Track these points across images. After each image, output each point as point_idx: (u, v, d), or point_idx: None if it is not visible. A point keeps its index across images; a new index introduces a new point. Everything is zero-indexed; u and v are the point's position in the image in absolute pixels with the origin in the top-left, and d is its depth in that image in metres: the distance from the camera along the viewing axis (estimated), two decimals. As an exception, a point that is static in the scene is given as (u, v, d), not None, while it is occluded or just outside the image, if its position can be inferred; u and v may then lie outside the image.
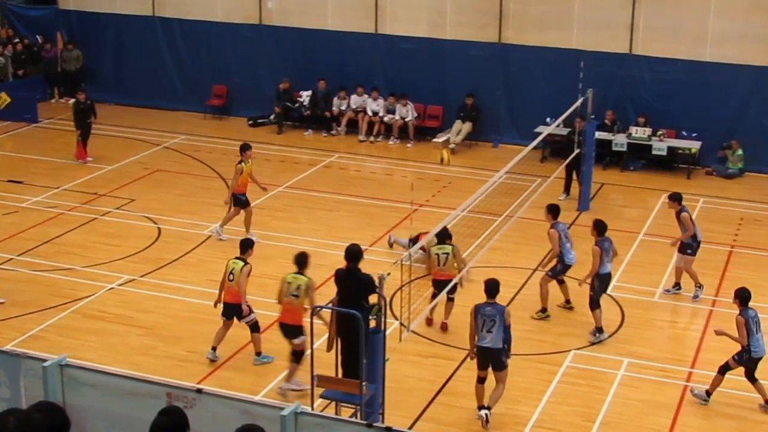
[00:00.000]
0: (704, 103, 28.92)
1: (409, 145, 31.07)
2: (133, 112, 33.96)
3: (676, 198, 20.53)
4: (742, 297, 16.45)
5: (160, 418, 8.08)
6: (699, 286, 20.62)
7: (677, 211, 20.44)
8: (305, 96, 32.36)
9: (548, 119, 28.63)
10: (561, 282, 19.71)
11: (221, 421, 9.20)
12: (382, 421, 14.43)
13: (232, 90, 33.85)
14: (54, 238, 23.05)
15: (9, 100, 32.90)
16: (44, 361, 9.81)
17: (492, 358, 15.81)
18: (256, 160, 28.59)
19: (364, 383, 14.13)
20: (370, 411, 14.39)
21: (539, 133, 25.35)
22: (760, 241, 23.91)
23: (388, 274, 14.29)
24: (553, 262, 19.51)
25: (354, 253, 15.20)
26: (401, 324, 16.71)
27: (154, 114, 33.81)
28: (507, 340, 15.78)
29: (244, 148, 23.09)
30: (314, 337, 14.57)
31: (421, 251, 19.11)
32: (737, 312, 16.44)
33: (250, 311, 17.49)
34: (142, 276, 21.16)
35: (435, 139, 30.77)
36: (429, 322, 19.10)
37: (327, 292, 18.02)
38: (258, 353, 17.64)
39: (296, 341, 16.51)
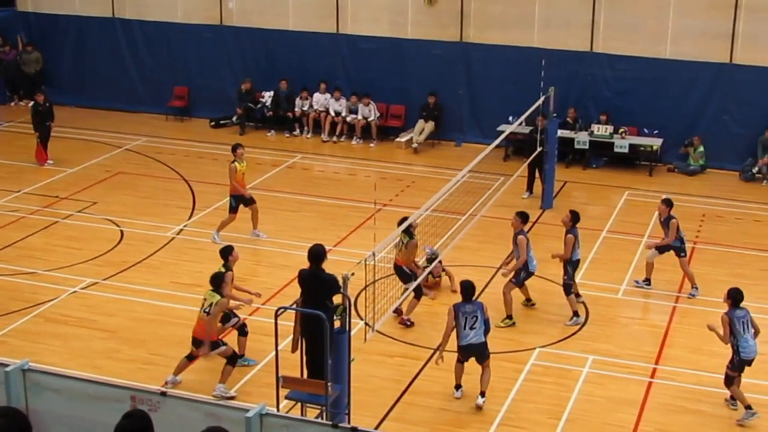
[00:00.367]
0: (665, 101, 29.10)
1: (372, 144, 31.06)
2: (93, 114, 33.75)
3: (669, 204, 20.66)
4: (735, 298, 16.21)
5: (124, 421, 8.03)
6: (695, 287, 20.85)
7: (667, 216, 20.55)
8: (267, 96, 32.28)
9: (511, 118, 28.72)
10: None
11: (186, 423, 9.15)
12: (348, 422, 14.40)
13: (194, 91, 33.72)
14: (15, 242, 22.87)
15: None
16: (6, 366, 9.71)
17: (476, 353, 16.34)
18: (219, 162, 28.61)
19: (329, 384, 14.10)
20: (336, 411, 14.36)
21: (502, 132, 25.41)
22: (721, 237, 24.07)
23: (352, 274, 14.26)
24: (513, 268, 19.38)
25: (317, 254, 15.16)
26: (366, 324, 16.71)
27: (115, 116, 33.61)
28: (487, 331, 16.33)
29: (235, 147, 22.91)
30: (279, 338, 14.52)
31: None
32: (725, 310, 16.30)
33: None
34: (105, 279, 21.02)
35: (398, 139, 30.80)
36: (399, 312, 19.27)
37: (291, 293, 17.98)
38: (241, 355, 17.58)
39: (217, 352, 16.65)
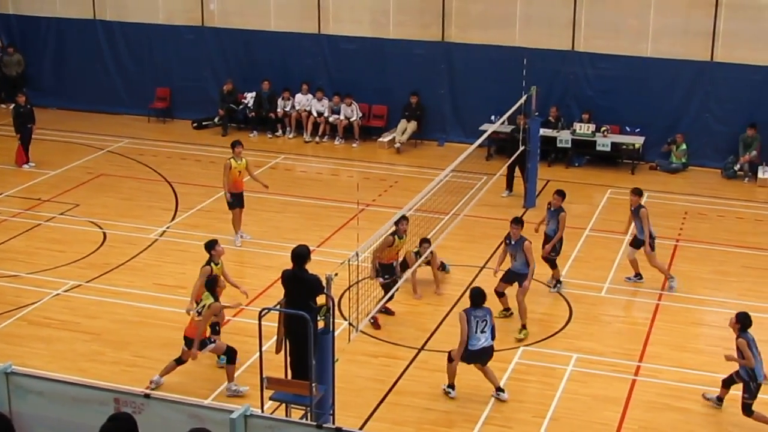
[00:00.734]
0: (647, 99, 29.17)
1: (354, 145, 31.05)
2: (75, 116, 33.65)
3: (639, 193, 20.76)
4: (744, 323, 15.71)
5: (108, 424, 8.02)
6: (671, 277, 21.00)
7: (637, 206, 20.60)
8: (249, 97, 32.23)
9: (493, 117, 28.76)
10: (502, 295, 19.49)
11: (170, 425, 9.15)
12: (333, 422, 14.40)
13: (176, 92, 33.66)
14: (-3, 245, 22.85)
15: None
16: (-11, 369, 9.70)
17: (486, 357, 16.37)
18: (202, 163, 28.58)
19: (313, 384, 14.09)
20: (321, 412, 14.36)
21: (484, 131, 25.43)
22: (704, 234, 24.14)
23: (336, 274, 14.25)
24: (531, 276, 19.02)
25: (300, 255, 15.13)
26: (350, 324, 16.70)
27: (97, 118, 33.51)
28: (493, 335, 16.39)
29: (233, 144, 22.79)
30: (263, 339, 14.51)
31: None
32: (735, 336, 15.80)
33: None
34: (88, 281, 20.97)
35: (381, 139, 30.81)
36: (378, 321, 19.15)
37: (275, 294, 17.97)
38: (220, 356, 17.59)
39: (208, 349, 16.69)
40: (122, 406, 9.30)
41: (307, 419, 14.08)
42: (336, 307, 15.93)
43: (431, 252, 20.23)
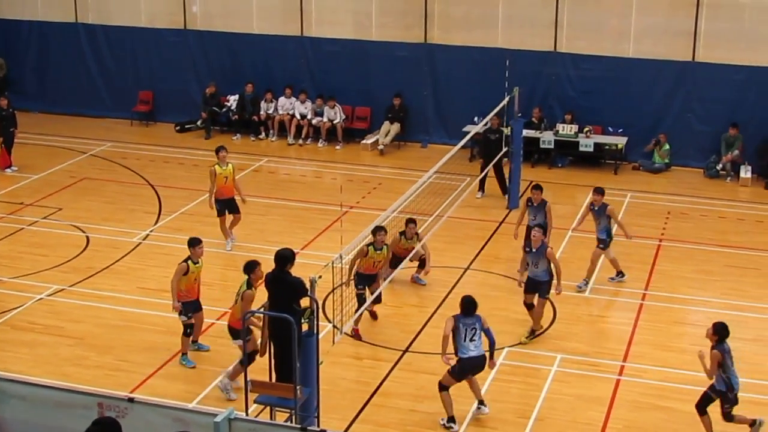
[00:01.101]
0: (629, 99, 29.26)
1: (338, 147, 31.05)
2: (58, 120, 33.58)
3: (602, 192, 20.80)
4: (721, 334, 15.11)
5: (92, 428, 8.01)
6: (587, 280, 20.98)
7: (602, 205, 20.63)
8: (232, 100, 32.21)
9: (476, 118, 28.80)
10: (531, 307, 19.03)
11: (154, 429, 9.15)
12: (318, 425, 14.41)
13: (159, 96, 33.61)
14: (-20, 249, 22.77)
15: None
16: (-28, 374, 9.67)
17: (478, 366, 15.82)
18: (185, 166, 28.55)
19: (298, 387, 14.09)
20: (305, 415, 14.36)
21: (467, 133, 25.46)
22: (687, 233, 24.21)
23: (320, 276, 14.26)
24: (558, 283, 18.75)
25: (283, 257, 15.10)
26: (334, 326, 16.71)
27: (80, 122, 33.45)
28: (492, 342, 15.88)
29: (217, 150, 22.53)
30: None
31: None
32: (710, 346, 15.21)
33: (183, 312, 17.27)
34: (71, 286, 20.92)
35: (364, 141, 30.83)
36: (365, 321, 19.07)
37: (259, 297, 17.95)
38: (183, 354, 17.62)
39: (236, 342, 16.49)
40: (106, 411, 9.29)
41: (291, 422, 14.08)
42: (320, 310, 15.92)
43: (422, 245, 20.26)
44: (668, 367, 17.70)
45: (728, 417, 15.47)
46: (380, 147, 30.46)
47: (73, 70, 34.21)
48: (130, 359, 17.88)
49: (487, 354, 15.80)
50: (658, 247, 23.31)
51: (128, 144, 31.16)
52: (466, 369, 15.74)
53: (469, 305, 15.75)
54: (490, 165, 25.47)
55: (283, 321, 13.91)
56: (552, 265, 18.55)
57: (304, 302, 14.57)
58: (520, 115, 25.93)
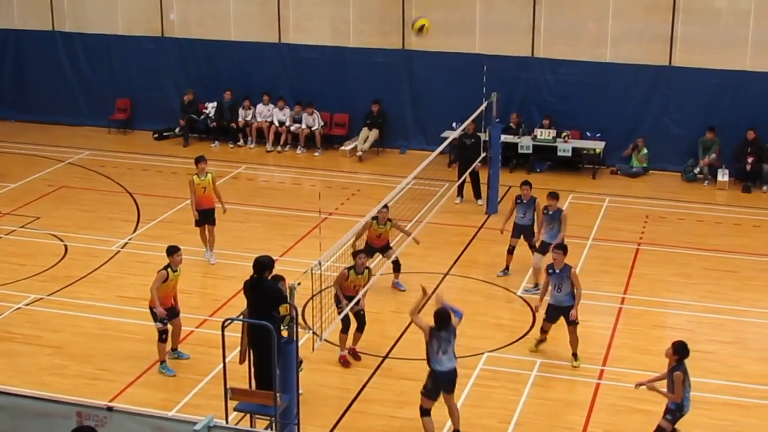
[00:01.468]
0: (607, 104, 29.35)
1: (316, 153, 31.04)
2: (35, 128, 33.46)
3: (557, 196, 20.86)
4: (682, 354, 14.77)
5: (72, 438, 8.00)
6: (536, 284, 20.91)
7: (557, 210, 20.58)
8: (211, 107, 32.17)
9: (454, 124, 28.83)
10: (545, 332, 18.60)
11: (134, 438, 9.13)
12: (298, 432, 14.40)
13: (136, 103, 33.54)
14: (-43, 259, 22.67)
15: None
16: (-50, 385, 9.63)
17: (451, 380, 15.47)
18: (163, 174, 28.49)
19: (278, 394, 14.08)
20: (285, 422, 14.35)
21: (446, 138, 25.50)
22: (665, 237, 24.28)
23: (299, 283, 14.25)
24: (577, 305, 18.07)
25: (261, 264, 15.09)
26: (314, 333, 16.68)
27: (58, 130, 33.35)
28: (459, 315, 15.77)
29: (197, 160, 22.29)
30: (226, 349, 14.48)
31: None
32: (669, 365, 15.00)
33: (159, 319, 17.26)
34: (50, 295, 20.84)
35: (342, 147, 30.83)
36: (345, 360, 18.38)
37: (238, 305, 17.94)
38: (162, 362, 17.59)
39: None
40: (85, 420, 9.27)
41: (271, 429, 14.07)
42: (300, 316, 15.90)
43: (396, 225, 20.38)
44: (648, 371, 17.65)
45: (659, 430, 15.15)
46: (359, 153, 30.47)
47: (50, 78, 34.10)
48: (110, 368, 17.82)
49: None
50: (637, 250, 23.37)
51: (106, 152, 31.07)
52: (439, 383, 15.42)
53: (443, 320, 15.35)
54: (468, 170, 25.48)
55: (262, 328, 13.89)
56: (575, 287, 17.84)
57: (283, 309, 14.56)
58: (498, 120, 25.99)
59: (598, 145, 28.94)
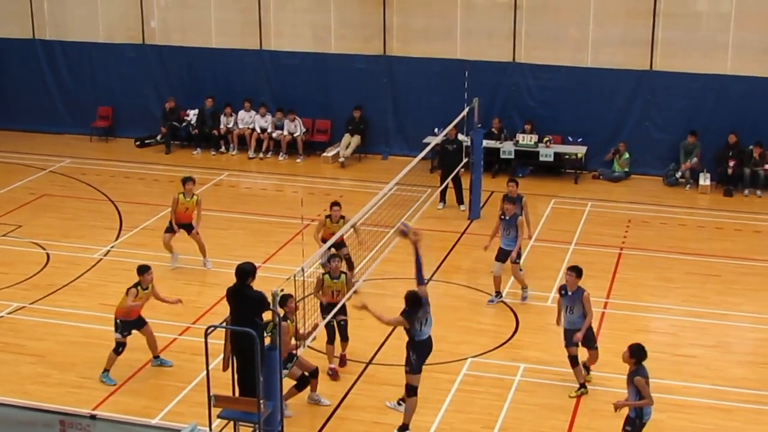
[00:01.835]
0: (588, 109, 29.42)
1: (298, 160, 31.02)
2: (16, 136, 33.36)
3: (514, 201, 20.90)
4: (639, 357, 14.47)
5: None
6: (525, 287, 21.01)
7: (513, 215, 20.53)
8: (192, 115, 32.12)
9: (436, 129, 28.87)
10: (577, 361, 17.79)
11: (117, 446, 9.10)
12: (282, 439, 14.38)
13: (118, 111, 33.48)
14: (-61, 268, 22.58)
15: None
16: (-69, 394, 9.59)
17: (431, 346, 16.04)
18: (145, 181, 28.42)
19: (261, 401, 14.05)
20: (269, 429, 14.30)
21: (428, 144, 25.51)
22: (647, 241, 24.33)
23: (282, 290, 14.24)
24: (586, 327, 17.40)
25: (243, 271, 15.05)
26: (297, 339, 16.64)
27: (39, 138, 33.25)
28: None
29: (184, 180, 22.29)
30: (209, 357, 14.45)
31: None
32: (629, 369, 14.66)
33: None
34: (32, 303, 20.77)
35: (325, 154, 30.82)
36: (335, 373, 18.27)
37: (221, 312, 17.91)
38: (106, 370, 17.68)
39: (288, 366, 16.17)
40: (68, 428, 9.26)
41: (255, 436, 14.04)
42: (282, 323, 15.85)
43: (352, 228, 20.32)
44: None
45: None
46: (341, 159, 30.46)
47: (31, 87, 34.01)
48: (93, 376, 17.76)
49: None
50: (619, 255, 23.42)
51: (88, 160, 31.01)
52: (422, 352, 15.74)
53: (415, 299, 15.79)
54: (451, 176, 25.49)
55: (245, 335, 13.87)
56: (585, 311, 17.23)
57: (266, 316, 14.55)
58: (480, 125, 26.02)
59: (580, 150, 29.00)
